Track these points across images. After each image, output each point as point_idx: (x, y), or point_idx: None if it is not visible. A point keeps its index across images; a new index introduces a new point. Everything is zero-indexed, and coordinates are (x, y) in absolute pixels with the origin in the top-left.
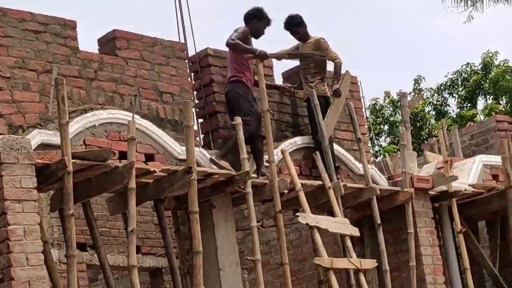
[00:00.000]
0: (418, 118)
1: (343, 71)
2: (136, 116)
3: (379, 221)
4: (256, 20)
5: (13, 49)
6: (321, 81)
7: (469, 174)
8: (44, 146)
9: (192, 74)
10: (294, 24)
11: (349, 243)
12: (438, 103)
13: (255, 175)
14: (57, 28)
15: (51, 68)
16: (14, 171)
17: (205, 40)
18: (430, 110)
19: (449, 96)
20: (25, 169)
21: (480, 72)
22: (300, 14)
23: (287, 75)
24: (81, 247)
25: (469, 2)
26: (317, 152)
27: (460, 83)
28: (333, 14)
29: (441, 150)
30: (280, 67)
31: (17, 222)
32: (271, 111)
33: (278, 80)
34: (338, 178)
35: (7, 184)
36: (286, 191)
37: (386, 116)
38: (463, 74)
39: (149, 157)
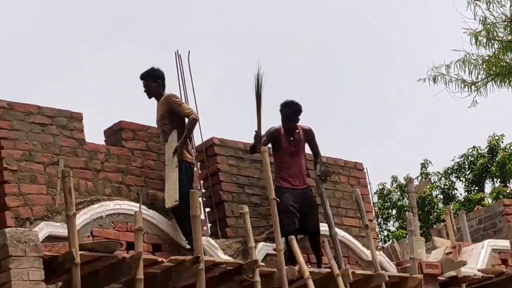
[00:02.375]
0: (426, 203)
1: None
2: (143, 206)
3: None
4: None
5: (20, 142)
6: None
7: (478, 259)
8: (51, 238)
9: (199, 163)
10: (148, 76)
11: None
12: (445, 187)
13: (263, 264)
14: (64, 120)
15: (58, 160)
16: (21, 264)
17: (212, 130)
18: (438, 194)
19: (457, 179)
20: (33, 262)
21: (487, 155)
22: (161, 70)
23: None
24: None
25: (473, 87)
26: (325, 240)
27: (467, 166)
28: (340, 100)
29: (449, 235)
30: None
31: None
32: (277, 199)
33: None
34: None
35: (14, 277)
36: (295, 279)
37: (394, 200)
38: (470, 157)
39: (156, 247)
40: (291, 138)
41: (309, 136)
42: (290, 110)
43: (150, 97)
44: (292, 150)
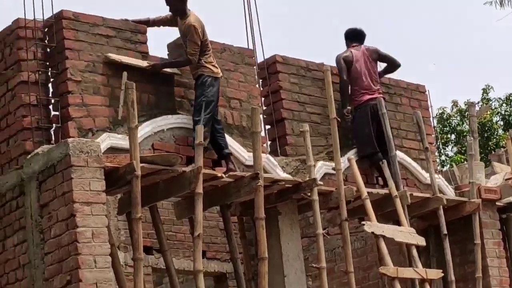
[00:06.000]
0: (486, 128)
1: None
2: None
3: (445, 231)
4: None
5: (84, 53)
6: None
7: None
8: (113, 150)
9: (260, 80)
10: None
11: (415, 252)
12: (506, 113)
13: (321, 183)
14: (128, 33)
15: (121, 72)
16: (83, 174)
17: (274, 47)
18: (498, 120)
19: None
20: (94, 172)
21: None
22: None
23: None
24: (147, 250)
25: None
26: (384, 161)
27: None
28: (404, 23)
29: (509, 161)
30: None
31: (85, 225)
32: (338, 119)
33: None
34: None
35: (76, 187)
36: (352, 199)
37: (453, 125)
38: None
39: (216, 163)
40: None
41: (371, 57)
42: (345, 37)
43: (175, 16)
44: None
